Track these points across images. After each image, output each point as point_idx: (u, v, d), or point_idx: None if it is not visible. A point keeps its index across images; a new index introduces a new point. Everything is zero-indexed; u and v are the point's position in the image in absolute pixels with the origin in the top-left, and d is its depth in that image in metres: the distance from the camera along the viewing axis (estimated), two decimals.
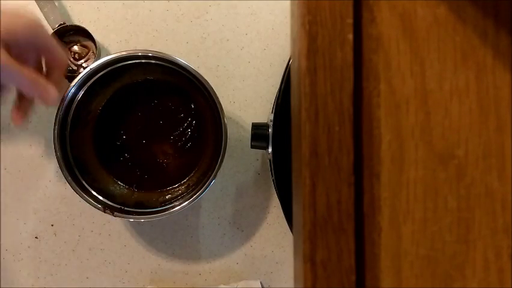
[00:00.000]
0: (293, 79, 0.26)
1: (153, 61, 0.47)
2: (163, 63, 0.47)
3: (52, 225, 0.54)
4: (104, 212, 0.47)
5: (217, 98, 0.45)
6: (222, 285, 0.54)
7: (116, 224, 0.55)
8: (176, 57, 0.45)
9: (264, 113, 0.55)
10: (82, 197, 0.46)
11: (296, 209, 0.24)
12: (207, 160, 0.51)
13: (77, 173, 0.48)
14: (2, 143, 0.54)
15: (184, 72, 0.46)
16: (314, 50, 0.22)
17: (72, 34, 0.52)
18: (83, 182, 0.48)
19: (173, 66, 0.46)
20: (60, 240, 0.54)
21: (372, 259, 0.22)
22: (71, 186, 0.46)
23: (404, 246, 0.22)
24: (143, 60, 0.47)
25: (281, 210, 0.55)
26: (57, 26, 0.51)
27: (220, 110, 0.45)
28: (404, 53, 0.22)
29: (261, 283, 0.54)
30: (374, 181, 0.22)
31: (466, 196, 0.22)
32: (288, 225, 0.43)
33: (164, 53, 0.46)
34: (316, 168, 0.22)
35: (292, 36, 0.25)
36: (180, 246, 0.55)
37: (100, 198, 0.48)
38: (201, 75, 0.45)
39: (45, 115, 0.52)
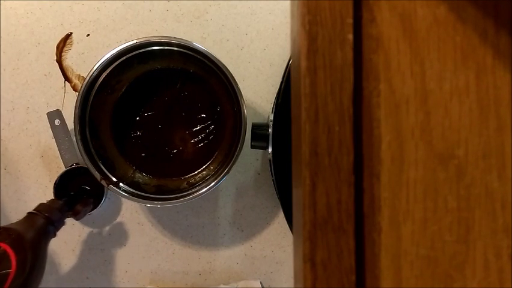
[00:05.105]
0: (293, 79, 0.26)
1: (175, 48, 0.47)
2: (185, 51, 0.47)
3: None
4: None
5: (237, 84, 0.45)
6: (222, 285, 0.54)
7: (117, 224, 0.55)
8: (198, 44, 0.46)
9: (264, 113, 0.55)
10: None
11: (296, 209, 0.24)
12: (225, 147, 0.51)
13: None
14: (2, 143, 0.54)
15: (205, 60, 0.47)
16: (314, 50, 0.22)
17: (82, 173, 0.53)
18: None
19: (194, 54, 0.47)
20: (60, 240, 0.54)
21: (372, 259, 0.22)
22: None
23: (404, 246, 0.22)
24: (166, 47, 0.47)
25: (281, 210, 0.55)
26: (70, 165, 0.53)
27: (239, 95, 0.45)
28: (404, 53, 0.22)
29: (261, 283, 0.54)
30: (374, 181, 0.22)
31: (466, 196, 0.22)
32: (288, 225, 0.43)
33: (186, 40, 0.46)
34: (316, 168, 0.22)
35: (292, 36, 0.25)
36: (180, 246, 0.55)
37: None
38: (220, 62, 0.45)
39: (45, 116, 0.52)
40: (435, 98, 0.22)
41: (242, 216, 0.55)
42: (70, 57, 0.55)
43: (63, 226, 0.47)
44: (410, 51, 0.22)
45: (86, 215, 0.51)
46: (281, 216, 0.55)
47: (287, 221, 0.42)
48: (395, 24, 0.22)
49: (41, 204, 0.47)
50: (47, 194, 0.54)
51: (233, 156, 0.46)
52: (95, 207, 0.52)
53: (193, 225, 0.55)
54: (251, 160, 0.55)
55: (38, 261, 0.41)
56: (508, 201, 0.22)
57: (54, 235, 0.46)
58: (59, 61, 0.55)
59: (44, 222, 0.44)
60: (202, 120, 0.52)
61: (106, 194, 0.53)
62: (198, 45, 0.46)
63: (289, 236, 0.55)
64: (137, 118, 0.52)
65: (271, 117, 0.41)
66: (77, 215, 0.49)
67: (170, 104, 0.52)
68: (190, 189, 0.49)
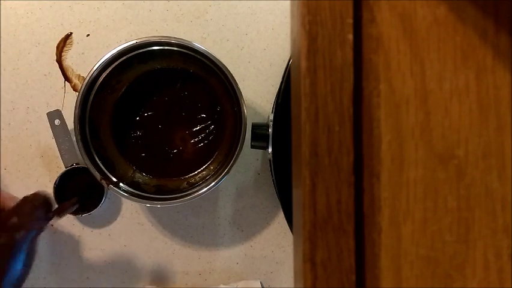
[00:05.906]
0: (293, 79, 0.26)
1: (175, 48, 0.47)
2: (185, 51, 0.47)
3: (52, 225, 0.54)
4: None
5: (237, 84, 0.45)
6: (222, 285, 0.54)
7: (117, 224, 0.55)
8: (198, 44, 0.46)
9: (264, 113, 0.55)
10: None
11: (296, 209, 0.24)
12: (225, 147, 0.51)
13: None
14: (2, 143, 0.54)
15: (205, 60, 0.46)
16: (314, 50, 0.22)
17: (82, 173, 0.52)
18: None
19: (194, 54, 0.47)
20: (60, 240, 0.54)
21: (372, 259, 0.22)
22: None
23: (404, 246, 0.22)
24: (165, 47, 0.47)
25: (281, 210, 0.55)
26: (69, 165, 0.52)
27: (239, 95, 0.45)
28: (404, 53, 0.22)
29: (261, 283, 0.54)
30: (374, 181, 0.22)
31: (466, 196, 0.22)
32: (288, 225, 0.43)
33: (186, 40, 0.46)
34: (316, 168, 0.22)
35: (292, 36, 0.25)
36: (180, 246, 0.55)
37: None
38: (220, 62, 0.45)
39: (45, 116, 0.52)
40: (435, 98, 0.22)
41: (242, 216, 0.55)
42: (70, 57, 0.55)
43: (51, 226, 0.45)
44: (410, 51, 0.22)
45: (68, 212, 0.49)
46: (281, 216, 0.55)
47: (287, 221, 0.42)
48: (395, 24, 0.22)
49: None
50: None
51: (233, 156, 0.46)
52: (95, 207, 0.52)
53: (193, 225, 0.55)
54: (251, 160, 0.55)
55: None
56: (508, 201, 0.22)
57: (34, 241, 0.42)
58: (59, 61, 0.55)
59: (6, 241, 0.39)
60: (202, 120, 0.52)
61: (106, 194, 0.53)
62: (198, 45, 0.46)
63: (289, 236, 0.55)
64: (137, 118, 0.52)
65: (271, 117, 0.41)
66: (59, 215, 0.45)
67: (170, 104, 0.52)
68: (190, 189, 0.49)
